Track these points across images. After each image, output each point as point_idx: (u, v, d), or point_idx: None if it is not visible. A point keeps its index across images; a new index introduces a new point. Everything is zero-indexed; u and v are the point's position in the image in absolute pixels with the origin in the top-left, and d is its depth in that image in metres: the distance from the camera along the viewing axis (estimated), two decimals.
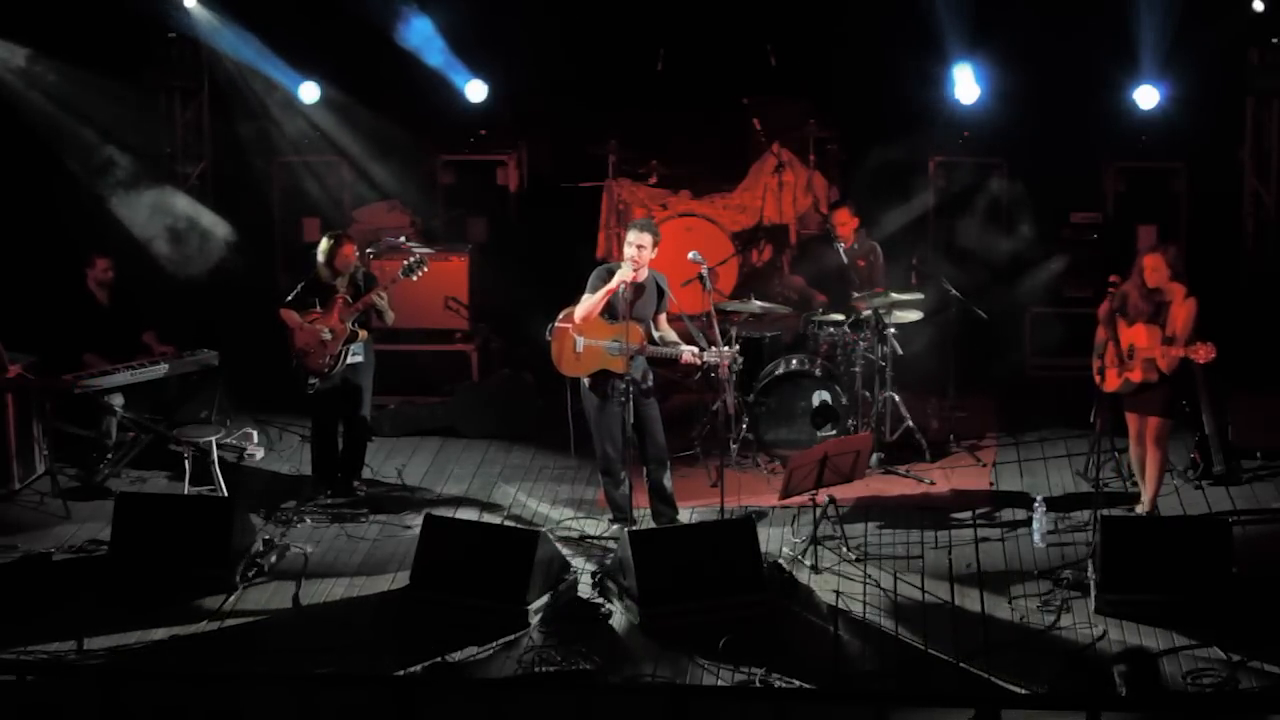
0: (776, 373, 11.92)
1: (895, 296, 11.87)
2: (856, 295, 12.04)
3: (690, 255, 10.77)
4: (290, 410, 12.50)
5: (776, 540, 10.54)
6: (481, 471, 11.99)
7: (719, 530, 10.08)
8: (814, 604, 9.77)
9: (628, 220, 13.04)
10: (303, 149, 14.34)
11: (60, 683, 8.78)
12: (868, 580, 10.02)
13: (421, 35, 13.81)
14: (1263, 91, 13.62)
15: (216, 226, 13.77)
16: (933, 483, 11.55)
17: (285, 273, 13.76)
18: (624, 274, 10.29)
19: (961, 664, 9.00)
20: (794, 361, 11.97)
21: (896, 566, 10.21)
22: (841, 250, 12.28)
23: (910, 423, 11.96)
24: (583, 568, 10.16)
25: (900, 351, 11.89)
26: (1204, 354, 9.97)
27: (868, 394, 11.90)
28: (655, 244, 10.39)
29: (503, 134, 14.60)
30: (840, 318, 12.12)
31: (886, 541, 10.59)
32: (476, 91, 14.09)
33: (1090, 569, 9.78)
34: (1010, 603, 9.70)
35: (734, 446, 11.82)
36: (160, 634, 9.44)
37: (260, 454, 12.28)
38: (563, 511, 11.18)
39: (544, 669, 8.96)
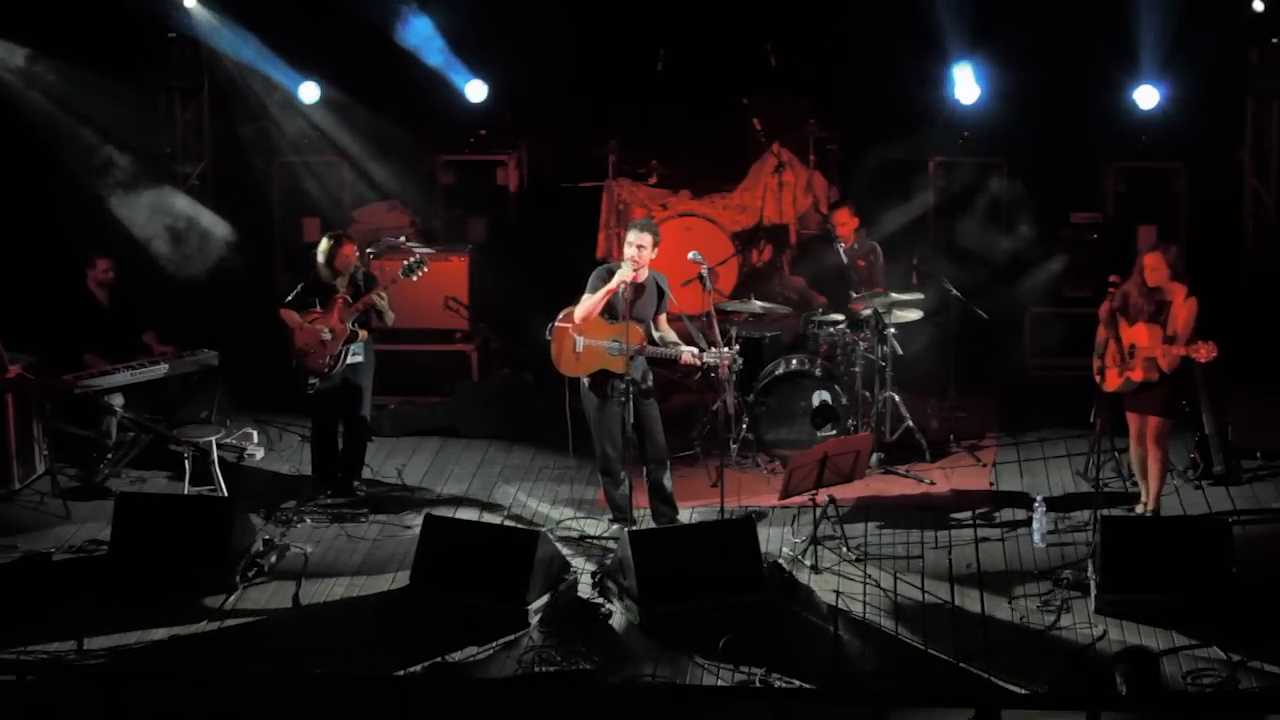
0: (776, 373, 11.92)
1: (895, 296, 11.87)
2: (856, 295, 12.04)
3: (690, 255, 10.77)
4: (290, 410, 12.50)
5: (776, 540, 10.53)
6: (481, 471, 11.99)
7: (719, 530, 10.08)
8: (814, 604, 9.77)
9: (628, 220, 13.05)
10: (303, 149, 14.34)
11: (60, 683, 8.78)
12: (868, 580, 10.02)
13: (421, 35, 13.81)
14: (1263, 91, 13.63)
15: (216, 226, 13.78)
16: (933, 483, 11.55)
17: (285, 273, 13.76)
18: (624, 274, 10.29)
19: (961, 664, 9.01)
20: (794, 361, 11.97)
21: (896, 566, 10.21)
22: (841, 250, 12.28)
23: (910, 423, 11.96)
24: (583, 568, 10.16)
25: (900, 351, 11.88)
26: (1205, 353, 9.97)
27: (868, 394, 11.90)
28: (655, 244, 10.39)
29: (503, 134, 14.60)
30: (840, 318, 12.13)
31: (886, 541, 10.59)
32: (476, 91, 14.09)
33: (1090, 569, 9.78)
34: (1010, 603, 9.70)
35: (734, 446, 11.82)
36: (160, 634, 9.44)
37: (260, 454, 12.28)
38: (563, 511, 11.18)
39: (544, 669, 8.96)
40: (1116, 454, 11.24)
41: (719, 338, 10.59)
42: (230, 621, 9.65)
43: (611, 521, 10.78)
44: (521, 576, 9.51)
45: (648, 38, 14.17)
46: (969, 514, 10.99)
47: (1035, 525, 10.49)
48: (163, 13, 13.59)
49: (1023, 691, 8.65)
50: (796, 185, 14.31)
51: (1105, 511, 10.19)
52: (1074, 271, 13.61)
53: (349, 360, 11.23)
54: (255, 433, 12.37)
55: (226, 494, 11.15)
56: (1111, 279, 10.51)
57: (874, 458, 11.49)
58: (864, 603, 9.74)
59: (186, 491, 11.22)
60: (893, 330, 11.83)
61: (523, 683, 8.83)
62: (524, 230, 14.48)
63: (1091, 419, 10.98)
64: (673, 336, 10.62)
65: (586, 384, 10.50)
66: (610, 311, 10.39)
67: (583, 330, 10.40)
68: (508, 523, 10.93)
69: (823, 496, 10.38)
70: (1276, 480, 11.38)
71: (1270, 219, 13.68)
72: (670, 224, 13.64)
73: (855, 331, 12.00)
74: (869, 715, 7.86)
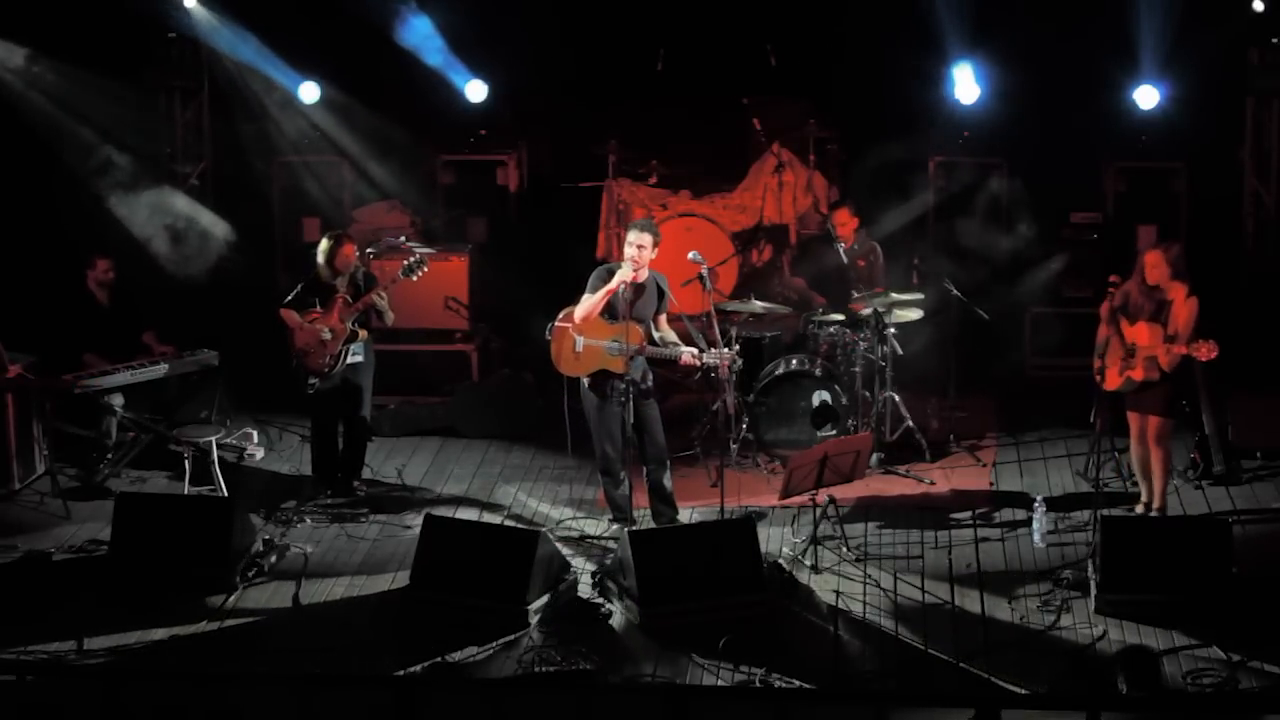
0: (776, 373, 11.92)
1: (895, 296, 11.87)
2: (856, 295, 12.04)
3: (690, 255, 10.77)
4: (290, 410, 12.49)
5: (776, 540, 10.53)
6: (481, 471, 11.99)
7: (719, 530, 10.08)
8: (814, 604, 9.77)
9: (628, 220, 13.05)
10: (303, 149, 14.34)
11: (60, 683, 8.78)
12: (868, 580, 10.01)
13: (421, 35, 13.81)
14: (1263, 91, 13.62)
15: (216, 226, 13.78)
16: (933, 483, 11.55)
17: (285, 273, 13.76)
18: (624, 274, 10.29)
19: (961, 664, 9.00)
20: (794, 361, 11.97)
21: (896, 566, 10.21)
22: (841, 250, 12.28)
23: (910, 423, 11.95)
24: (583, 568, 10.16)
25: (900, 351, 11.88)
26: (1206, 352, 9.97)
27: (868, 394, 11.89)
28: (655, 244, 10.39)
29: (503, 134, 14.59)
30: (840, 318, 12.12)
31: (886, 541, 10.59)
32: (476, 91, 14.08)
33: (1090, 569, 9.78)
34: (1010, 603, 9.70)
35: (734, 446, 11.82)
36: (160, 634, 9.44)
37: (260, 454, 12.28)
38: (563, 511, 11.18)
39: (544, 669, 8.96)
40: (1116, 454, 11.24)
41: (719, 338, 10.60)
42: (230, 621, 9.65)
43: (611, 521, 10.78)
44: (521, 576, 9.51)
45: (647, 38, 14.17)
46: (969, 514, 10.99)
47: (1035, 525, 10.49)
48: (163, 13, 13.58)
49: (1023, 691, 8.65)
50: (796, 185, 14.31)
51: (1105, 511, 10.19)
52: (1074, 271, 13.60)
53: (349, 360, 11.23)
54: (255, 433, 12.36)
55: (226, 494, 11.15)
56: (1111, 279, 10.51)
57: (874, 458, 11.49)
58: (864, 603, 9.74)
59: (186, 491, 11.22)
60: (893, 330, 11.83)
61: (523, 683, 8.83)
62: (524, 230, 14.48)
63: (1091, 419, 10.98)
64: (673, 337, 10.62)
65: (586, 384, 10.49)
66: (610, 311, 10.39)
67: (583, 330, 10.40)
68: (508, 523, 10.93)
69: (823, 496, 10.38)
70: (1276, 480, 11.39)
71: (1270, 219, 13.68)
72: (670, 224, 13.64)
73: (855, 331, 12.00)
74: (869, 715, 7.87)
